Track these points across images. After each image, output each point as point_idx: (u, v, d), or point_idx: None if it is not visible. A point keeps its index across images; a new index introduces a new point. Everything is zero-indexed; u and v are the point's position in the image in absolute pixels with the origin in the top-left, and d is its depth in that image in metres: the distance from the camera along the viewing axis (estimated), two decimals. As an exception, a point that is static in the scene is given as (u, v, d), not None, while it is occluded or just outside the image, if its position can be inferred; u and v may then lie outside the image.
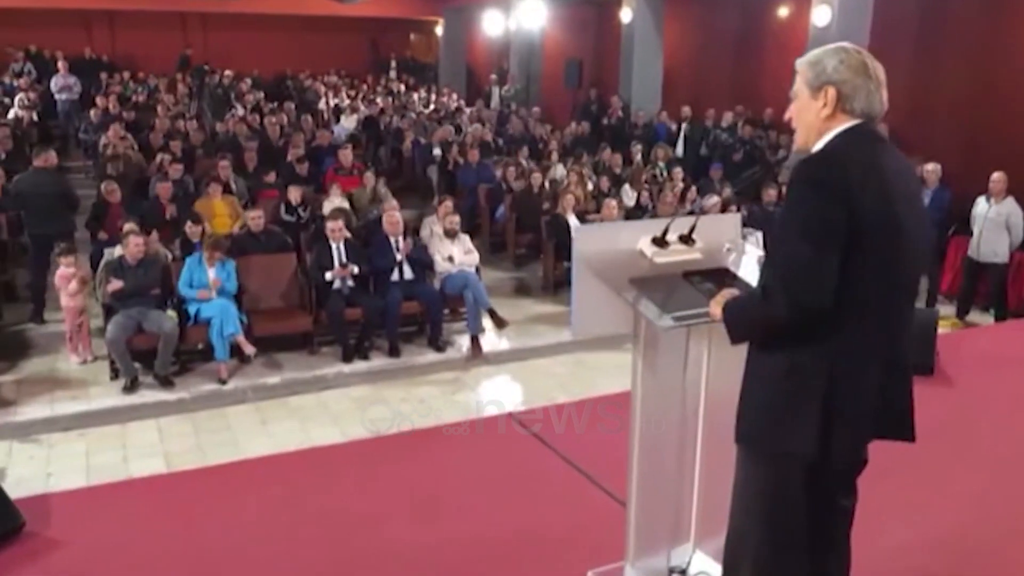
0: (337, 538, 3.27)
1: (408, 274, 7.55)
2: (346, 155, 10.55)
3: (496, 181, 10.81)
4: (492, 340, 7.81)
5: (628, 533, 2.70)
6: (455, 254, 7.78)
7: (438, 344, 7.51)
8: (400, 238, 7.61)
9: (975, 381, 4.96)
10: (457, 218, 7.99)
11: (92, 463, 5.71)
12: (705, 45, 13.84)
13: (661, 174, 11.45)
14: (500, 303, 8.81)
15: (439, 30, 20.01)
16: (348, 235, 7.98)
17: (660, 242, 2.55)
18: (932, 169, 8.81)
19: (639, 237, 2.57)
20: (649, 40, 13.25)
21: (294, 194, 9.19)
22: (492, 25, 17.27)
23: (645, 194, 10.63)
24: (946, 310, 8.96)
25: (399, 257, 7.48)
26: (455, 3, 18.70)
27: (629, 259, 2.56)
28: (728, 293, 2.24)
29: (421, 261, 7.63)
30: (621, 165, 11.61)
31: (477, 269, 7.98)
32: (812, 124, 2.12)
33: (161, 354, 6.63)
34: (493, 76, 18.07)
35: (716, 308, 2.21)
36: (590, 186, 10.73)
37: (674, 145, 12.44)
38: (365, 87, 18.91)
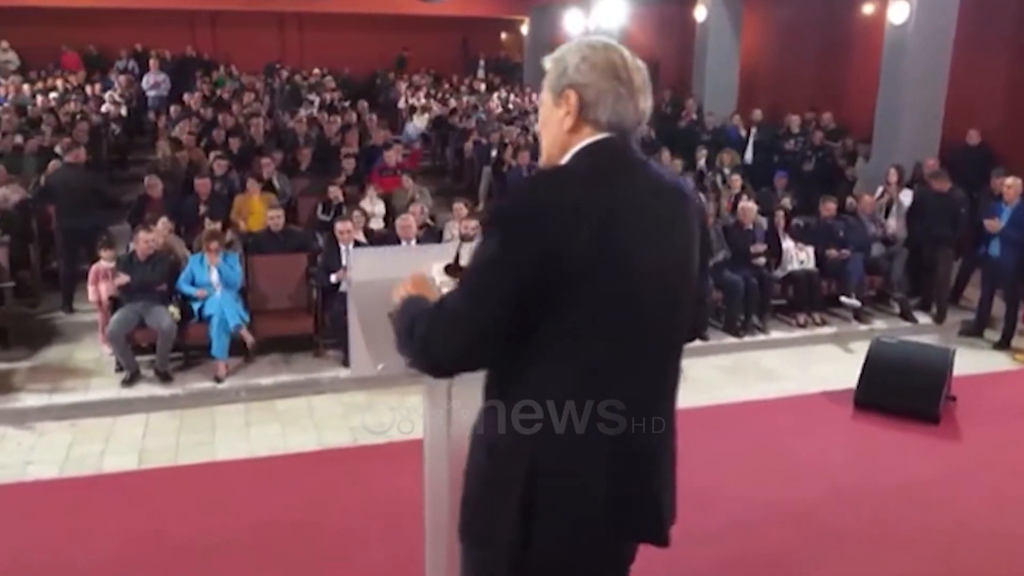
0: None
1: (418, 279, 7.33)
2: (390, 155, 10.46)
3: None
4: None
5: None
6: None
7: (444, 352, 7.26)
8: (412, 242, 7.42)
9: (983, 436, 4.29)
10: (474, 223, 7.71)
11: (72, 454, 5.78)
12: (786, 45, 13.02)
13: (723, 181, 10.82)
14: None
15: (524, 29, 19.79)
16: (373, 236, 7.90)
17: (453, 270, 2.20)
18: (1011, 184, 7.87)
19: (433, 263, 2.23)
20: (724, 40, 12.57)
21: (333, 193, 9.20)
22: (573, 24, 16.88)
23: (699, 202, 10.03)
24: (1030, 344, 8.03)
25: (407, 261, 7.28)
26: (541, 2, 18.43)
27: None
28: (420, 284, 1.85)
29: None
30: (681, 170, 11.03)
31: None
32: (556, 136, 1.72)
33: (160, 350, 6.68)
34: (573, 76, 17.62)
35: (395, 295, 1.84)
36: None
37: (743, 151, 11.73)
38: (448, 86, 18.89)
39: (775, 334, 8.20)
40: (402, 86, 17.80)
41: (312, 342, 7.27)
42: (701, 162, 11.47)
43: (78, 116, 12.30)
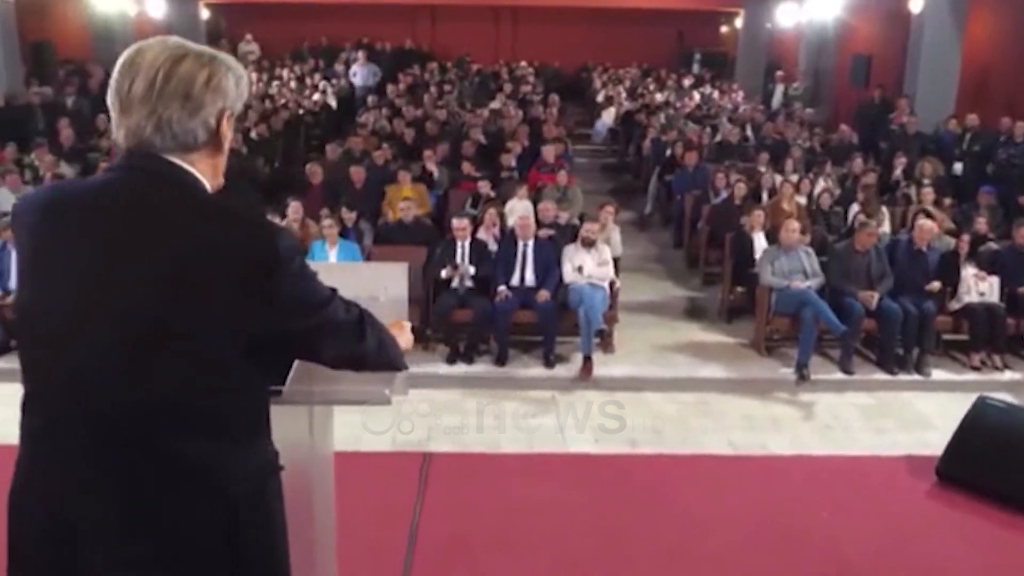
0: None
1: (530, 280, 7.16)
2: (548, 151, 10.33)
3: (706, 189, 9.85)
4: (619, 362, 7.16)
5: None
6: (586, 265, 7.20)
7: (548, 359, 7.04)
8: (530, 242, 7.25)
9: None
10: (595, 226, 7.38)
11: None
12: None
13: (918, 193, 9.55)
14: (663, 324, 8.10)
15: (738, 22, 18.71)
16: (496, 233, 7.84)
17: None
18: None
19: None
20: (943, 34, 11.00)
21: (484, 188, 9.28)
22: (786, 17, 15.67)
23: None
24: None
25: (519, 262, 7.14)
26: (756, -7, 17.32)
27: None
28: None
29: (547, 266, 7.20)
30: (877, 179, 9.89)
31: (612, 284, 7.31)
32: None
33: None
34: (779, 73, 16.42)
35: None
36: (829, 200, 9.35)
37: (950, 161, 10.27)
38: (651, 81, 18.32)
39: (939, 374, 7.11)
40: (598, 81, 17.53)
41: (417, 335, 7.31)
42: (897, 171, 10.21)
43: (280, 105, 13.30)
